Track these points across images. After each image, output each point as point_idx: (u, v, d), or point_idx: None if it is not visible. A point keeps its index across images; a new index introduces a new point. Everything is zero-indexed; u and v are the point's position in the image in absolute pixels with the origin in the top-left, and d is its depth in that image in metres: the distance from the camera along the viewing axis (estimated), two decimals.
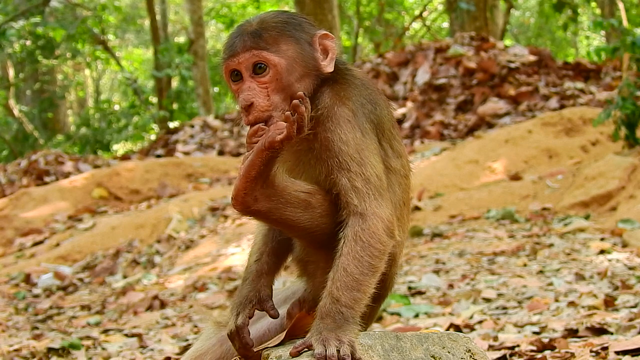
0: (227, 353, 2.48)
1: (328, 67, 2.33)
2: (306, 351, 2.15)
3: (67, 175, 13.68)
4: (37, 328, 6.49)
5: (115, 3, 24.32)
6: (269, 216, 2.26)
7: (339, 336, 2.13)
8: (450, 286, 5.54)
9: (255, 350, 2.33)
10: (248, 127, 2.26)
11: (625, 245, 6.21)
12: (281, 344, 2.27)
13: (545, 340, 3.61)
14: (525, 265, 5.92)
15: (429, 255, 6.78)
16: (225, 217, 9.67)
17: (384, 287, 2.38)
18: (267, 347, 2.29)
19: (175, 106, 22.75)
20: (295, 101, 2.12)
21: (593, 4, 23.42)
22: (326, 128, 2.28)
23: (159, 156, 15.24)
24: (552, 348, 3.51)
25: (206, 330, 2.58)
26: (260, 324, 2.51)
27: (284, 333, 2.30)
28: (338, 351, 2.10)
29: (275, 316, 2.34)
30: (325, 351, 2.10)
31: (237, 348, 2.33)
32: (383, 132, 2.38)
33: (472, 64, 14.17)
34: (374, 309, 2.40)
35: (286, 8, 28.60)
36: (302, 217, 2.26)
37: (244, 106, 2.25)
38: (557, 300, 4.74)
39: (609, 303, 4.41)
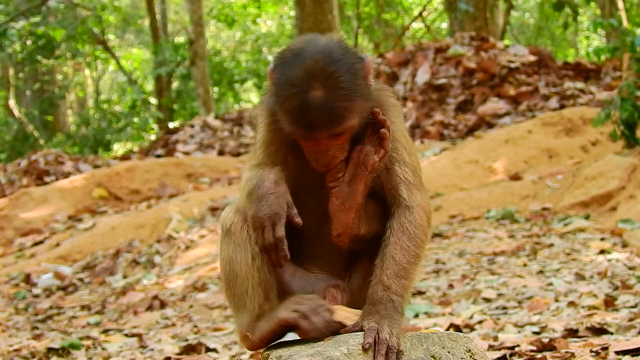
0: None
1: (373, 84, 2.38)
2: (357, 331, 2.21)
3: (67, 175, 13.67)
4: (37, 328, 6.48)
5: (115, 3, 24.33)
6: (365, 237, 2.38)
7: (391, 324, 2.21)
8: (451, 286, 5.54)
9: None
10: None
11: (625, 245, 6.21)
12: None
13: (545, 340, 3.61)
14: (525, 265, 5.92)
15: (429, 255, 6.78)
16: None
17: None
18: (270, 347, 2.31)
19: (175, 106, 22.74)
20: (382, 116, 2.25)
21: (592, 4, 23.42)
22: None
23: (159, 156, 15.23)
24: (552, 348, 3.51)
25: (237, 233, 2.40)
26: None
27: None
28: (388, 337, 2.19)
29: (299, 224, 2.27)
30: (378, 335, 2.18)
31: (273, 259, 2.26)
32: None
33: (472, 64, 14.16)
34: None
35: (286, 8, 28.57)
36: (375, 227, 2.40)
37: (325, 165, 2.29)
38: (557, 300, 4.74)
39: (609, 303, 4.41)
